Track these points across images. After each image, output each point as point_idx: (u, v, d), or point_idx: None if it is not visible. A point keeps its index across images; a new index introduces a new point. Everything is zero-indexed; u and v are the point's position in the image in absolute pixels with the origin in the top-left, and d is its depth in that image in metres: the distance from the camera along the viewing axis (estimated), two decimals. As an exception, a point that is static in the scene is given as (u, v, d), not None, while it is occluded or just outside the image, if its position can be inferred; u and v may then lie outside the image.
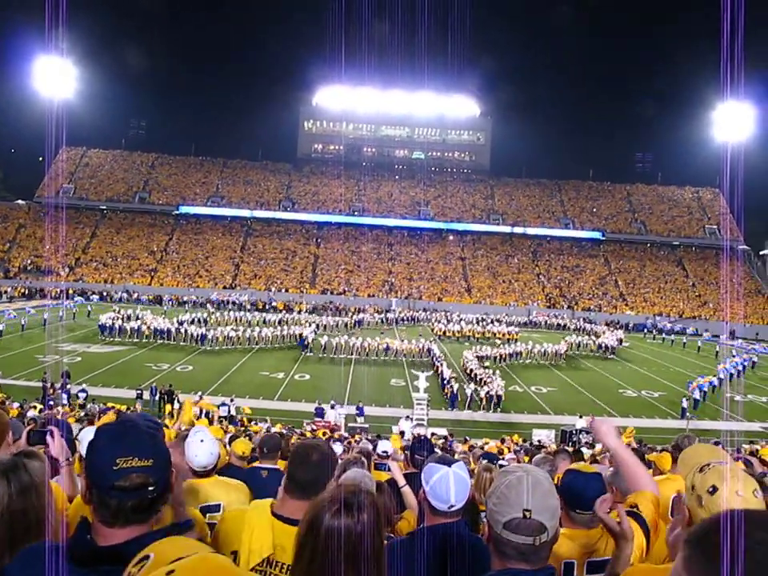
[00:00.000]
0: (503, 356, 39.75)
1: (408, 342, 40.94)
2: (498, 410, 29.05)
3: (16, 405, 18.24)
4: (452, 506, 2.71)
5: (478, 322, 53.57)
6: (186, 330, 41.42)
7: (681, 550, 1.29)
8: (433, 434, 21.44)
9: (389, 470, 4.74)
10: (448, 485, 2.70)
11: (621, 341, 49.43)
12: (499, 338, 47.76)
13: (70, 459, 3.62)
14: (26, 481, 2.12)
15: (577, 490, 2.88)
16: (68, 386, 26.23)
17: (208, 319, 48.26)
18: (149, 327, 41.60)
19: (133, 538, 1.77)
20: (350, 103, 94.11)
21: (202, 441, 3.92)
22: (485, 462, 5.99)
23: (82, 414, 17.14)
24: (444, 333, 50.11)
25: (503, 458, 12.60)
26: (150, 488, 1.78)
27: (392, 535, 3.48)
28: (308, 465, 2.78)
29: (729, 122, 68.71)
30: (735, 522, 1.17)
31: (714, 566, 1.16)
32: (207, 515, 3.52)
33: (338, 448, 10.45)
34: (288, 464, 2.88)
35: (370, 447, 9.00)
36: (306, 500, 2.75)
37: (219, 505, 3.67)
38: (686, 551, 1.27)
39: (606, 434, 3.04)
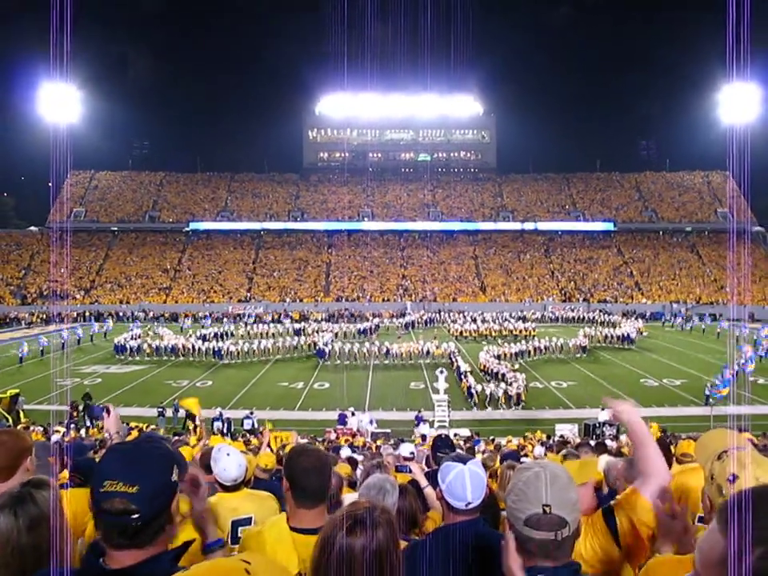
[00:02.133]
0: (510, 354, 39.00)
1: (407, 344, 40.96)
2: (520, 407, 28.96)
3: (40, 429, 18.41)
4: (469, 504, 2.70)
5: (494, 320, 53.41)
6: (195, 346, 41.63)
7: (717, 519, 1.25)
8: (456, 435, 21.41)
9: (410, 471, 4.74)
10: (464, 482, 2.69)
11: (640, 331, 49.03)
12: (516, 335, 47.67)
13: (121, 434, 3.85)
14: (35, 513, 2.06)
15: None
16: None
17: (234, 332, 48.66)
18: (150, 346, 41.72)
19: (142, 560, 1.75)
20: (353, 110, 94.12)
21: (228, 454, 3.96)
22: (508, 461, 5.97)
23: (106, 435, 17.24)
24: (461, 333, 49.98)
25: (526, 454, 12.56)
26: (133, 515, 1.71)
27: (416, 537, 3.48)
28: (307, 475, 2.74)
29: (735, 103, 68.15)
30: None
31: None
32: (239, 529, 3.54)
33: (345, 452, 10.57)
34: (290, 477, 2.80)
35: (391, 451, 9.01)
36: (318, 507, 2.76)
37: (251, 518, 3.67)
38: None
39: (628, 412, 2.83)
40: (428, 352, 39.84)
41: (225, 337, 46.47)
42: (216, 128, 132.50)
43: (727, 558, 1.16)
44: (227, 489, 3.87)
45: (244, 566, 1.35)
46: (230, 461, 3.87)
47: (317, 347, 41.35)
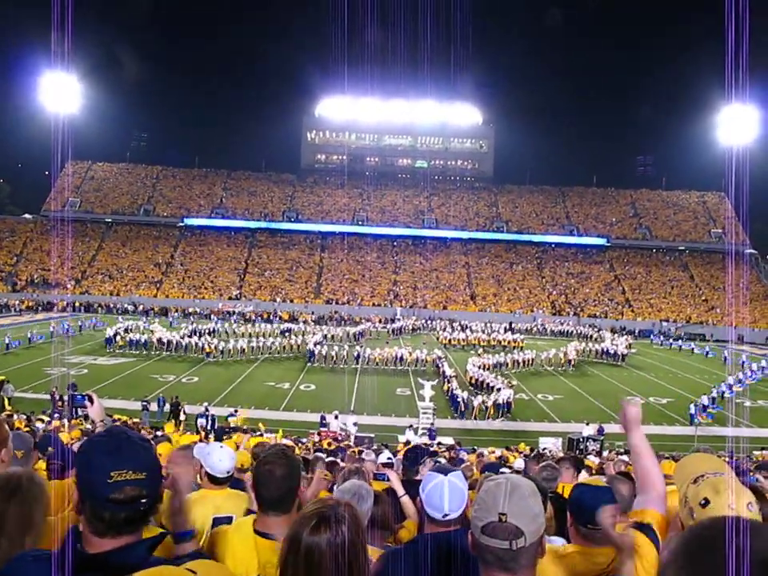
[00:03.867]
0: (489, 366, 38.50)
1: (380, 350, 40.98)
2: (505, 418, 28.96)
3: (23, 417, 18.29)
4: (446, 515, 2.69)
5: (482, 330, 53.47)
6: (174, 341, 41.46)
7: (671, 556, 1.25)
8: (439, 444, 21.39)
9: (388, 479, 4.73)
10: (442, 493, 2.68)
11: (629, 346, 49.13)
12: (505, 345, 47.77)
13: (105, 422, 3.89)
14: (19, 493, 2.13)
15: (586, 504, 2.83)
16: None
17: (226, 330, 48.75)
18: (122, 338, 41.70)
19: (119, 546, 1.80)
20: (353, 113, 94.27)
21: (221, 447, 4.07)
22: (486, 472, 5.97)
23: (89, 426, 17.12)
24: (449, 341, 50.01)
25: (510, 466, 12.54)
26: (143, 500, 1.80)
27: (390, 544, 3.48)
28: (273, 482, 2.74)
29: (733, 124, 68.51)
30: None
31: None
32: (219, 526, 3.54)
33: (320, 455, 10.62)
34: (253, 483, 2.83)
35: (373, 458, 8.99)
36: (281, 514, 2.75)
37: (231, 517, 3.67)
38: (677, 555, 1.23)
39: (633, 422, 2.88)
40: (401, 358, 39.92)
41: (214, 334, 46.36)
42: (215, 125, 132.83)
43: None
44: (217, 481, 3.88)
45: (188, 575, 1.36)
46: (223, 452, 3.95)
47: (307, 348, 41.24)
